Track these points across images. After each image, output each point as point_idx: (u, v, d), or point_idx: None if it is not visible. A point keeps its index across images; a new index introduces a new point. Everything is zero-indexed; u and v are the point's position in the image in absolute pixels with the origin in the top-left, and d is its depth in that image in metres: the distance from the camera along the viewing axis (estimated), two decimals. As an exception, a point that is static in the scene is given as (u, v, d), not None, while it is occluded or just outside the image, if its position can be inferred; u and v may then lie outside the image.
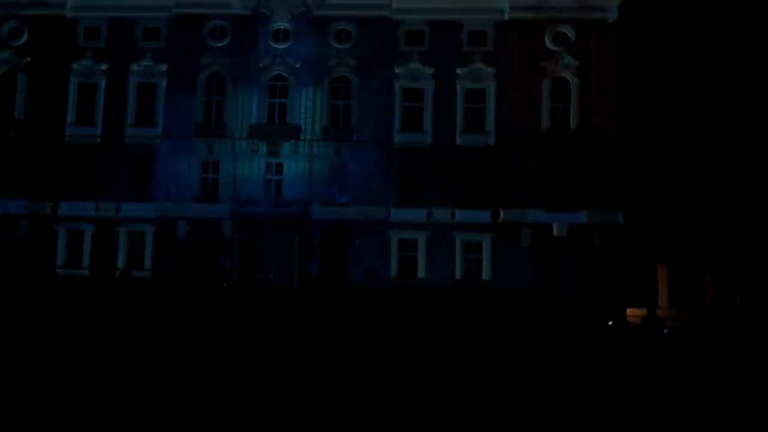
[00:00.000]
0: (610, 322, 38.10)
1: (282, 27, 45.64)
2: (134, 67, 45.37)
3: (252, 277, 42.95)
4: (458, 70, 44.55)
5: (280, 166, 45.03)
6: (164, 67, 45.34)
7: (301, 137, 44.60)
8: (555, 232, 42.89)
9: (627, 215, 43.64)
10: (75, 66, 45.52)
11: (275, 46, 45.37)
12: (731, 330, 35.46)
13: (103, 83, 45.59)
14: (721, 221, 51.57)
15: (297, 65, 45.07)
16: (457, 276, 43.29)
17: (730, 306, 48.36)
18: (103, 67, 45.52)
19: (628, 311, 42.24)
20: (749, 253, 49.83)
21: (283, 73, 45.24)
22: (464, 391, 15.17)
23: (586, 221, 42.86)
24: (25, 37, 46.00)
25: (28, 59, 45.76)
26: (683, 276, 51.68)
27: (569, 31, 44.44)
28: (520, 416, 12.91)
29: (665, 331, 35.74)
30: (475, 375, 17.69)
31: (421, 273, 43.48)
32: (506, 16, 44.59)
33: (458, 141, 44.38)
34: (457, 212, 43.65)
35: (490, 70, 44.44)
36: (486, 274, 43.33)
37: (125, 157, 44.84)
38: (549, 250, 42.81)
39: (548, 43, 44.44)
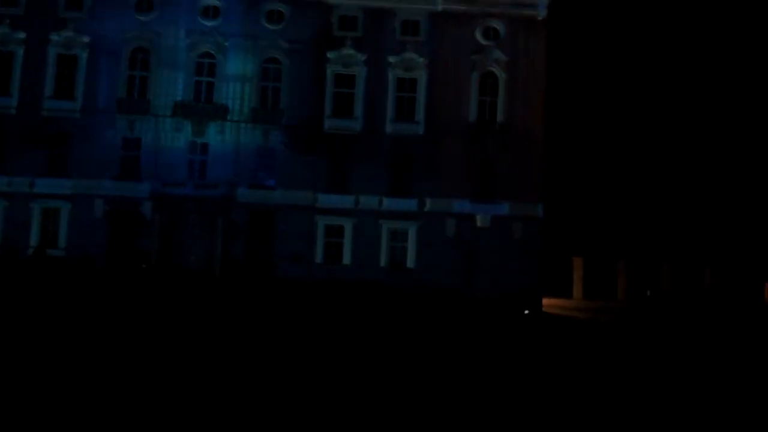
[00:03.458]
0: (527, 311, 39.46)
1: (212, 4, 44.50)
2: (54, 37, 43.26)
3: (172, 260, 42.02)
4: (391, 59, 44.63)
5: (205, 146, 44.03)
6: (86, 39, 43.44)
7: (228, 118, 43.74)
8: (479, 223, 43.80)
9: (547, 208, 44.96)
10: (-10, 33, 43.13)
11: (204, 22, 44.20)
12: (641, 321, 37.18)
13: (21, 52, 43.20)
14: (634, 217, 53.89)
15: (226, 44, 44.09)
16: (382, 263, 43.59)
17: (640, 298, 50.78)
18: (22, 35, 43.16)
19: (544, 301, 43.87)
20: (659, 248, 52.33)
21: (212, 51, 44.20)
22: (380, 382, 15.40)
23: (508, 213, 43.93)
24: (-66, 0, 43.20)
25: (-63, 24, 43.04)
26: (597, 268, 53.86)
27: (500, 27, 45.19)
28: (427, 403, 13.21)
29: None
30: (390, 366, 17.97)
31: (346, 259, 43.56)
32: (439, 8, 44.90)
33: (388, 129, 44.55)
34: (385, 200, 43.91)
35: (421, 60, 44.73)
36: (411, 261, 43.82)
37: (42, 130, 42.81)
38: (472, 240, 43.68)
39: (479, 37, 45.07)
